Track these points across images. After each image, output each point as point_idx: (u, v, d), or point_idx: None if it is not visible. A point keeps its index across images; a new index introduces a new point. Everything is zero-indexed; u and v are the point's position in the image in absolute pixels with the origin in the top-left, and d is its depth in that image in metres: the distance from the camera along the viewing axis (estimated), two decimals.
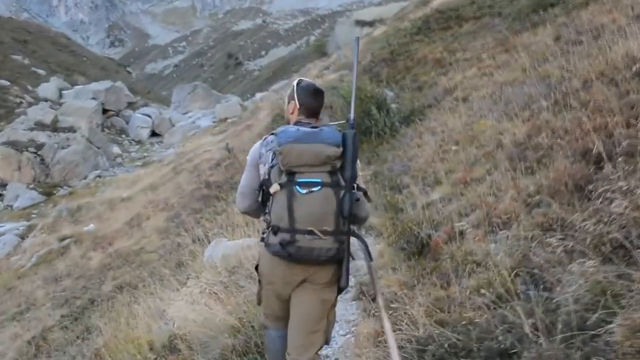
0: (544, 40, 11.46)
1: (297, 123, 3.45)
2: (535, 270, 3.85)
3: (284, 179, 3.17)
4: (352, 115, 3.43)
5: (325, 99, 3.70)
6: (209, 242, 8.90)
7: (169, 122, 46.53)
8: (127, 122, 47.03)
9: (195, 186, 18.70)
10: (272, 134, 3.35)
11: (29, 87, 47.69)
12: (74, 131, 36.68)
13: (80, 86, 48.09)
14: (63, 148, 35.17)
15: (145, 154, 40.67)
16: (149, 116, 47.08)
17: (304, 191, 3.13)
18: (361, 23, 42.97)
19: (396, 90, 16.50)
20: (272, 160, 3.27)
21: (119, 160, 39.31)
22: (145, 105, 52.41)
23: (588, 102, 6.29)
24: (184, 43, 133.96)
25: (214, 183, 17.56)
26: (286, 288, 3.36)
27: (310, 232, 3.11)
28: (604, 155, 4.63)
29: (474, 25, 18.91)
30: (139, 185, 25.67)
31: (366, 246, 3.49)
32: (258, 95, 46.77)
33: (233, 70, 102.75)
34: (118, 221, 19.98)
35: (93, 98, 44.71)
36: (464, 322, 3.46)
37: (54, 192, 32.06)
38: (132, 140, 45.23)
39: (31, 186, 32.50)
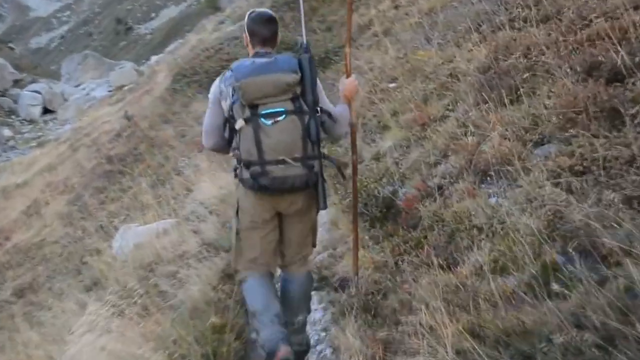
0: None
1: (254, 55, 3.41)
2: (582, 235, 2.70)
3: (247, 113, 3.15)
4: (304, 40, 3.46)
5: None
6: (116, 230, 7.42)
7: (61, 96, 43.70)
8: (16, 102, 43.74)
9: (96, 162, 16.92)
10: (230, 69, 3.30)
11: None
12: None
13: None
14: None
15: (40, 133, 37.93)
16: (39, 92, 43.87)
17: (270, 122, 3.13)
18: None
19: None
20: (233, 95, 3.21)
21: (11, 143, 36.60)
22: (34, 81, 48.84)
23: (559, 12, 5.21)
24: (68, 12, 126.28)
25: (116, 156, 15.87)
26: (267, 224, 3.39)
27: (282, 162, 3.12)
28: (623, 68, 3.53)
29: None
30: (35, 168, 23.43)
31: (337, 166, 3.70)
32: (153, 58, 44.27)
33: (124, 36, 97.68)
34: (15, 210, 17.83)
35: None
36: (523, 332, 2.19)
37: None
38: (24, 120, 42.06)
39: None
